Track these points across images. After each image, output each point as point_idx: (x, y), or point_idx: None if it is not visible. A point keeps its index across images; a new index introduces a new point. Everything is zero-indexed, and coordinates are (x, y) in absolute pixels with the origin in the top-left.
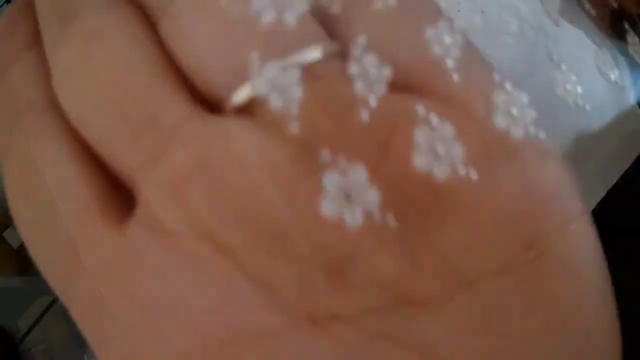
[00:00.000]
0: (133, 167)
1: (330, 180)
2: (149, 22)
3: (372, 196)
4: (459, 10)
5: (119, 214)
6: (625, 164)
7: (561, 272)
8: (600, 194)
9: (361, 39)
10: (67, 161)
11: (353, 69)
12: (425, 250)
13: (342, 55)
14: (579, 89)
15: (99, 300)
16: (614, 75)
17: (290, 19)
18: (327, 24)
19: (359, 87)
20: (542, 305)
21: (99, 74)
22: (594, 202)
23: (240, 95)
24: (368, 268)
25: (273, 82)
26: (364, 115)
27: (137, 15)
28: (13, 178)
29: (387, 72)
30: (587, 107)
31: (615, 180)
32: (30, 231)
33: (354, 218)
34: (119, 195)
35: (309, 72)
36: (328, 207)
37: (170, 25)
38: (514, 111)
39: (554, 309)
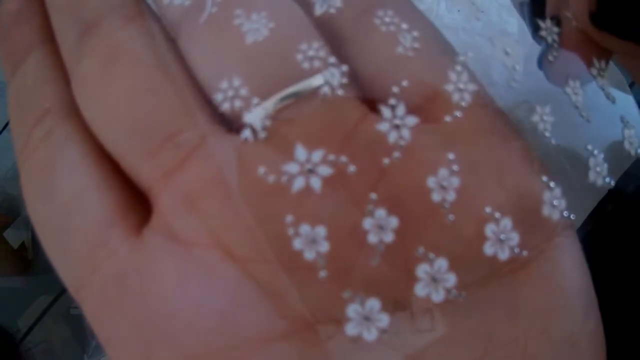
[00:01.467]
0: (150, 178)
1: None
2: (169, 35)
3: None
4: (459, 10)
5: (136, 220)
6: (625, 164)
7: (544, 283)
8: (600, 194)
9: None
10: (87, 168)
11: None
12: (417, 261)
13: (348, 76)
14: (606, 167)
15: (112, 301)
16: (633, 151)
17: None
18: (335, 42)
19: None
20: (524, 313)
21: (121, 90)
22: (593, 202)
23: (252, 117)
24: (366, 276)
25: (276, 107)
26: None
27: (157, 28)
28: (31, 179)
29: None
30: (612, 183)
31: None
32: (46, 231)
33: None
34: (135, 201)
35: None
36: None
37: (187, 47)
38: (555, 202)
39: (536, 317)
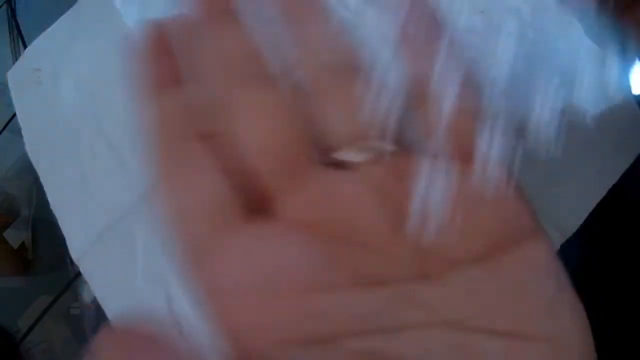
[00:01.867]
0: (277, 188)
1: None
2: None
3: None
4: (458, 10)
5: (247, 214)
6: (626, 163)
7: (511, 281)
8: (600, 194)
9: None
10: (219, 178)
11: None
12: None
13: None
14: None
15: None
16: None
17: None
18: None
19: None
20: (508, 288)
21: (263, 130)
22: (593, 203)
23: (342, 156)
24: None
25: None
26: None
27: (290, 93)
28: (170, 192)
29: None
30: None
31: (615, 180)
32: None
33: None
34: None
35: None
36: None
37: (314, 106)
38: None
39: (513, 289)
